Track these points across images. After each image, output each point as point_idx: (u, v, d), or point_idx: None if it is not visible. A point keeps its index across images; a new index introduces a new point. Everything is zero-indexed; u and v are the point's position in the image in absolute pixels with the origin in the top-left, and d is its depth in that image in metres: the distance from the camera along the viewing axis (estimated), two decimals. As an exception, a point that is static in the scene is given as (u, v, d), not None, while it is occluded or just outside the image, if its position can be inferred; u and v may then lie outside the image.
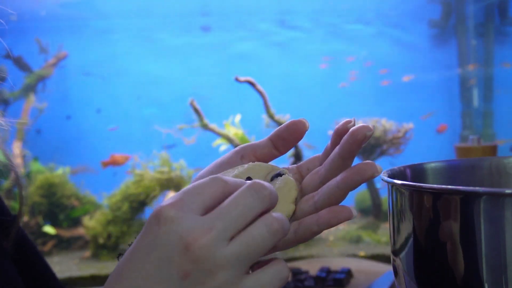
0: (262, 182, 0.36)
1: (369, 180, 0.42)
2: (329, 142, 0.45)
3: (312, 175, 0.45)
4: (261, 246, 0.35)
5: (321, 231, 0.41)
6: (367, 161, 0.40)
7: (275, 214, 0.36)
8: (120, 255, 0.47)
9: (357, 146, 0.40)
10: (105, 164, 2.44)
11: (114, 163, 2.49)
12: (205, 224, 0.34)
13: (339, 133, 0.42)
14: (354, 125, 0.42)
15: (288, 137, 0.46)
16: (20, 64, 3.21)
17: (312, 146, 2.58)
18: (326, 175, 0.43)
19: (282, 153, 0.47)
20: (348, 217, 0.40)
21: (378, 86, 4.18)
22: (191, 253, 0.33)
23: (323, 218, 0.40)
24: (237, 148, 0.48)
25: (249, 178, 0.43)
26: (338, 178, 0.41)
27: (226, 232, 0.34)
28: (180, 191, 0.37)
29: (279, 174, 0.44)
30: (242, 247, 0.34)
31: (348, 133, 0.40)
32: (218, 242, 0.34)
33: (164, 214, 0.34)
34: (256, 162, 0.46)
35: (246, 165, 0.45)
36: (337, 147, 0.42)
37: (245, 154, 0.47)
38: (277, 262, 0.37)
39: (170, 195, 2.68)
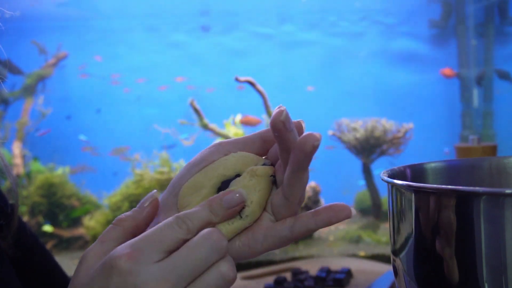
0: (218, 231, 0.36)
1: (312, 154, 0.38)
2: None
3: (278, 164, 0.42)
4: None
5: (317, 229, 0.40)
6: (304, 135, 0.36)
7: (228, 261, 0.36)
8: None
9: (308, 158, 0.37)
10: (241, 122, 2.45)
11: (247, 123, 2.51)
12: (160, 277, 0.34)
13: (276, 128, 0.38)
14: (285, 116, 0.37)
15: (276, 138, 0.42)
16: (10, 67, 3.20)
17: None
18: (285, 191, 0.40)
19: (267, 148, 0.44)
20: (347, 216, 0.39)
21: (378, 86, 4.18)
22: None
23: (322, 216, 0.39)
24: (217, 144, 0.44)
25: (238, 175, 0.42)
26: (289, 163, 0.38)
27: (180, 284, 0.34)
28: (141, 237, 0.36)
29: (274, 178, 0.42)
30: None
31: (296, 146, 0.37)
32: None
33: (120, 266, 0.34)
34: (239, 153, 0.43)
35: (230, 156, 0.43)
36: (289, 164, 0.38)
37: (228, 152, 0.44)
38: (220, 264, 0.36)
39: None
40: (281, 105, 0.38)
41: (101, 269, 0.35)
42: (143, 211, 0.40)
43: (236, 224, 0.40)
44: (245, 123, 2.49)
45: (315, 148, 0.36)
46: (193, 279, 0.35)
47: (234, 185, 0.41)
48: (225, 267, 0.36)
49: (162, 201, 0.43)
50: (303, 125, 0.41)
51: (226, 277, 0.36)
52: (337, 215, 0.39)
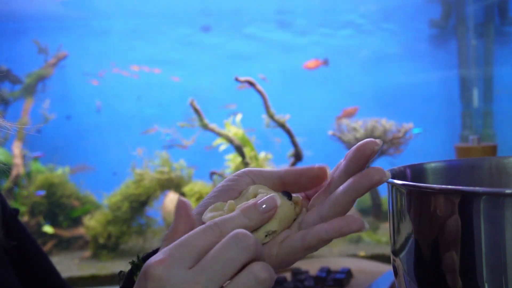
0: (245, 231, 0.36)
1: (376, 187, 0.39)
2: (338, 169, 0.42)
3: (319, 193, 0.43)
4: None
5: (330, 240, 0.39)
6: (375, 166, 0.38)
7: (261, 262, 0.36)
8: (121, 272, 0.47)
9: (365, 161, 0.38)
10: (339, 118, 2.48)
11: (347, 115, 2.54)
12: (190, 280, 0.34)
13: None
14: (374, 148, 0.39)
15: (303, 184, 0.44)
16: (10, 77, 3.19)
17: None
18: (332, 191, 0.41)
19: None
20: (360, 229, 0.38)
21: (378, 86, 4.18)
22: None
23: (334, 225, 0.38)
24: (244, 172, 0.45)
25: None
26: (345, 184, 0.39)
27: (210, 285, 0.34)
28: (173, 244, 0.36)
29: (289, 195, 0.43)
30: None
31: (354, 148, 0.39)
32: None
33: (152, 273, 0.35)
34: (258, 185, 0.44)
35: (250, 190, 0.44)
36: (343, 163, 0.40)
37: (255, 180, 0.45)
38: (252, 265, 0.36)
39: (170, 195, 2.68)
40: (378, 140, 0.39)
41: (139, 277, 0.36)
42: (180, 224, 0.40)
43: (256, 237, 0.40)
44: (346, 115, 2.50)
45: (374, 153, 0.38)
46: (224, 281, 0.35)
47: None
48: (258, 268, 0.35)
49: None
50: (328, 171, 0.43)
51: (259, 278, 0.35)
52: (349, 226, 0.38)
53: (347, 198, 0.39)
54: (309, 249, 0.39)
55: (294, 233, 0.41)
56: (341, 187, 0.39)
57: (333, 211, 0.39)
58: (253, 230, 0.40)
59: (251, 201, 0.40)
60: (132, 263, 0.45)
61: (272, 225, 0.40)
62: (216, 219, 0.38)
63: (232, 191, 0.45)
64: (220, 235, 0.36)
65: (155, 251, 0.46)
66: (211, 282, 0.35)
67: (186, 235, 0.37)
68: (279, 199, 0.41)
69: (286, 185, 0.44)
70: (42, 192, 2.73)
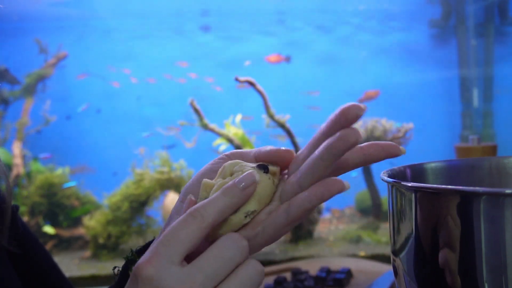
0: (238, 234, 0.37)
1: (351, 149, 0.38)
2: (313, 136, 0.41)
3: (295, 158, 0.42)
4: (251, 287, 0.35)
5: (313, 208, 0.38)
6: (349, 127, 0.36)
7: (252, 258, 0.36)
8: (115, 267, 0.47)
9: (347, 126, 0.37)
10: (361, 101, 2.48)
11: (368, 98, 2.54)
12: (186, 279, 0.34)
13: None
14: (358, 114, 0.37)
15: (273, 163, 0.43)
16: (7, 77, 3.19)
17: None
18: (300, 179, 0.39)
19: None
20: (341, 189, 0.37)
21: (378, 86, 4.17)
22: None
23: (315, 193, 0.37)
24: (225, 154, 0.47)
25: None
26: (320, 147, 0.37)
27: (209, 283, 0.34)
28: (158, 241, 0.35)
29: (266, 167, 0.42)
30: None
31: (337, 111, 0.37)
32: None
33: (143, 274, 0.34)
34: (234, 161, 0.44)
35: (226, 167, 0.44)
36: (323, 126, 0.39)
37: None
38: (249, 260, 0.36)
39: (170, 195, 2.68)
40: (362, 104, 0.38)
41: (131, 279, 0.35)
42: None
43: (235, 220, 0.39)
44: (367, 98, 2.50)
45: (357, 117, 0.36)
46: (220, 280, 0.35)
47: None
48: (253, 261, 0.36)
49: (175, 208, 0.44)
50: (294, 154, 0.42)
51: (258, 270, 0.36)
52: (329, 190, 0.37)
53: (324, 162, 0.37)
54: (294, 222, 0.39)
55: (276, 206, 0.40)
56: (316, 151, 0.38)
57: (310, 177, 0.38)
58: (232, 212, 0.39)
59: (230, 182, 0.39)
60: (126, 258, 0.45)
61: (251, 205, 0.39)
62: (196, 205, 0.37)
63: (214, 173, 0.45)
64: (202, 220, 0.36)
65: (148, 244, 0.46)
66: (209, 281, 0.34)
67: (167, 230, 0.36)
68: (257, 174, 0.40)
69: (258, 160, 0.44)
70: (71, 184, 2.72)
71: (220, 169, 0.44)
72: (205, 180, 0.42)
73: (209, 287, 0.34)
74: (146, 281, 0.34)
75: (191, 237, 0.35)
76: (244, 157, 0.45)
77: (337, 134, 0.36)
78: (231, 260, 0.35)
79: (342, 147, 0.36)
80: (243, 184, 0.38)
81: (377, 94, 2.64)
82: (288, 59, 3.63)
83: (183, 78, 4.10)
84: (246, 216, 0.39)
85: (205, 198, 0.41)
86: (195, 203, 0.41)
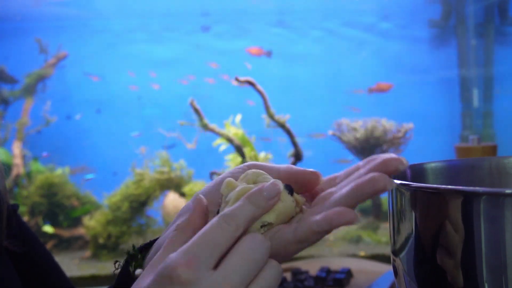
0: (261, 235, 0.37)
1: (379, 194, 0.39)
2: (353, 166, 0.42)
3: (324, 194, 0.42)
4: (274, 285, 0.36)
5: (321, 233, 0.38)
6: (382, 173, 0.36)
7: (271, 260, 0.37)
8: (116, 262, 0.47)
9: (386, 171, 0.38)
10: (371, 90, 2.48)
11: (379, 89, 2.54)
12: (223, 282, 0.34)
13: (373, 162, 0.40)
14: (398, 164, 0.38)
15: (297, 184, 0.43)
16: (3, 77, 3.18)
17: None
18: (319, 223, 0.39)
19: None
20: (351, 221, 0.37)
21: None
22: None
23: (325, 218, 0.37)
24: (245, 165, 0.46)
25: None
26: (347, 187, 0.38)
27: (242, 285, 0.35)
28: (194, 242, 0.36)
29: (291, 190, 0.42)
30: None
31: (380, 160, 0.38)
32: None
33: (182, 276, 0.34)
34: (258, 171, 0.44)
35: (249, 175, 0.43)
36: (363, 170, 0.39)
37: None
38: (270, 260, 0.37)
39: (170, 195, 2.68)
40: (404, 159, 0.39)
41: (159, 279, 0.35)
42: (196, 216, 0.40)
43: (251, 229, 0.39)
44: (378, 89, 2.49)
45: (396, 171, 0.37)
46: (250, 280, 0.35)
47: None
48: (274, 262, 0.37)
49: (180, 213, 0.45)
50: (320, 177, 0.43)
51: (279, 270, 0.37)
52: (339, 218, 0.37)
53: (348, 202, 0.38)
54: (301, 242, 0.39)
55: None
56: (343, 190, 0.38)
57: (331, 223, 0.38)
58: None
59: (255, 188, 0.39)
60: (128, 253, 0.45)
61: (270, 217, 0.40)
62: (225, 211, 0.38)
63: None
64: (236, 229, 0.37)
65: (152, 242, 0.46)
66: (242, 283, 0.35)
67: (204, 231, 0.36)
68: (281, 184, 0.40)
69: (282, 179, 0.43)
70: (90, 176, 2.73)
71: (242, 175, 0.43)
72: (230, 179, 0.42)
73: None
74: (183, 284, 0.34)
75: (227, 245, 0.36)
76: (265, 170, 0.44)
77: (367, 177, 0.37)
78: (260, 261, 0.36)
79: (370, 192, 0.36)
80: (266, 193, 0.38)
81: (389, 87, 2.62)
82: (269, 53, 3.65)
83: (181, 77, 4.10)
84: (262, 226, 0.40)
85: (227, 195, 0.42)
86: (205, 204, 0.41)
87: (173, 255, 0.35)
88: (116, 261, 0.46)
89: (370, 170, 0.38)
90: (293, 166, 0.44)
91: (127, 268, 0.45)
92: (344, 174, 0.42)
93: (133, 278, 0.43)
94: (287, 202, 0.41)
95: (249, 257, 0.35)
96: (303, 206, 0.43)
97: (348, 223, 0.37)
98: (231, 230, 0.36)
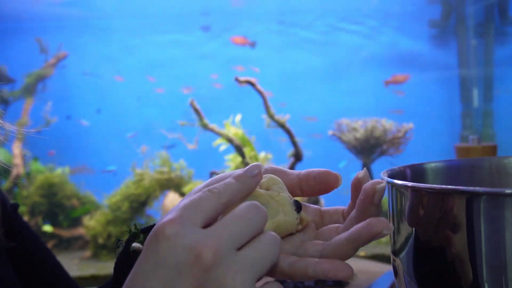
0: (257, 202, 0.37)
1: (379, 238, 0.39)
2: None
3: (330, 228, 0.43)
4: (271, 252, 0.35)
5: (314, 278, 0.38)
6: (379, 217, 0.37)
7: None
8: (119, 241, 0.47)
9: (370, 203, 0.39)
10: (388, 83, 2.49)
11: (395, 81, 2.54)
12: (212, 235, 0.34)
13: (354, 187, 0.42)
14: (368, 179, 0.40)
15: (315, 186, 0.44)
16: (1, 77, 3.17)
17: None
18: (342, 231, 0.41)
19: (303, 195, 0.45)
20: (347, 277, 0.37)
21: (378, 85, 4.18)
22: (203, 262, 0.33)
23: (322, 266, 0.37)
24: (266, 169, 0.45)
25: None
26: (348, 232, 0.38)
27: (234, 241, 0.34)
28: (177, 207, 0.36)
29: (299, 207, 0.42)
30: (254, 252, 0.34)
31: (361, 192, 0.40)
32: (228, 250, 0.33)
33: (166, 231, 0.34)
34: (274, 177, 0.43)
35: (264, 180, 0.43)
36: (354, 210, 0.41)
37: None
38: (266, 233, 0.36)
39: (170, 195, 2.68)
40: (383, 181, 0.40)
41: (150, 239, 0.35)
42: (248, 182, 0.40)
43: None
44: (394, 81, 2.49)
45: (377, 193, 0.39)
46: (243, 242, 0.35)
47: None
48: (272, 232, 0.36)
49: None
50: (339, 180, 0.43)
51: (277, 238, 0.36)
52: (335, 272, 0.37)
53: (349, 245, 0.38)
54: (290, 275, 0.39)
55: (287, 249, 0.41)
56: (345, 234, 0.39)
57: (331, 254, 0.39)
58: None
59: (240, 170, 0.41)
60: (129, 231, 0.45)
61: (268, 226, 0.39)
62: (215, 184, 0.39)
63: None
64: (219, 196, 0.37)
65: (152, 225, 0.46)
66: (234, 240, 0.34)
67: (187, 199, 0.37)
68: (263, 166, 0.41)
69: (302, 183, 0.44)
70: (112, 168, 2.72)
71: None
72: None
73: (233, 246, 0.34)
74: (170, 238, 0.33)
75: (211, 208, 0.36)
76: (285, 176, 0.44)
77: (366, 221, 0.37)
78: (254, 222, 0.35)
79: (367, 236, 0.37)
80: (251, 172, 0.40)
81: (405, 79, 2.61)
82: (253, 44, 3.68)
83: (181, 77, 4.10)
84: None
85: None
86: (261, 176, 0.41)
87: (162, 218, 0.36)
88: (119, 240, 0.47)
89: (358, 208, 0.40)
90: (313, 169, 0.44)
91: (129, 248, 0.45)
92: (348, 208, 0.44)
93: (130, 255, 0.44)
94: (290, 217, 0.41)
95: (243, 216, 0.35)
96: (309, 228, 0.43)
97: (345, 278, 0.37)
98: (214, 196, 0.37)
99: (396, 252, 0.42)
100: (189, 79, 4.08)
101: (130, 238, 0.45)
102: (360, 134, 2.42)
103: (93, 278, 2.29)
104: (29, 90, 3.22)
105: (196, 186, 0.48)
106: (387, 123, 2.44)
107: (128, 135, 3.59)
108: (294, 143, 2.24)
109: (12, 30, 3.82)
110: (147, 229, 0.46)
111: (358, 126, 2.44)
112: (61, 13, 3.99)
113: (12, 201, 0.64)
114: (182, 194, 2.56)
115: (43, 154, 3.16)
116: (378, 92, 4.12)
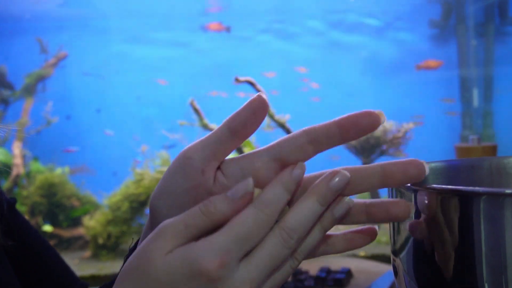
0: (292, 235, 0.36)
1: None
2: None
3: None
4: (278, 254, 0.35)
5: (329, 253, 0.40)
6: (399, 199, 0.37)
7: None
8: (131, 248, 0.46)
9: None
10: (419, 67, 2.48)
11: (427, 67, 2.54)
12: (246, 277, 0.34)
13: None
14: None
15: (250, 121, 0.40)
16: (3, 83, 3.17)
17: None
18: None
19: (241, 142, 0.41)
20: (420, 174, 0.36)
21: (379, 85, 4.18)
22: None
23: (338, 241, 0.41)
24: (185, 155, 0.39)
25: None
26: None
27: (262, 280, 0.34)
28: (226, 235, 0.33)
29: None
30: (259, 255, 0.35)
31: (351, 118, 0.37)
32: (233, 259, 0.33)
33: (211, 275, 0.32)
34: None
35: None
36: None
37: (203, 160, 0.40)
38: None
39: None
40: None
41: (188, 273, 0.33)
42: (235, 205, 0.34)
43: None
44: (426, 66, 2.47)
45: (371, 128, 0.37)
46: (272, 274, 0.36)
47: None
48: (292, 260, 0.37)
49: None
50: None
51: (294, 267, 0.37)
52: (354, 243, 0.43)
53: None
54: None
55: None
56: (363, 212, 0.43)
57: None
58: None
59: (288, 169, 0.36)
60: (130, 248, 0.45)
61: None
62: (260, 198, 0.35)
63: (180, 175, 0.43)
64: (272, 218, 0.34)
65: None
66: (263, 276, 0.34)
67: (235, 222, 0.34)
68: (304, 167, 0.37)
69: (234, 133, 0.40)
70: (140, 159, 2.71)
71: None
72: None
73: (263, 281, 0.34)
74: (213, 281, 0.32)
75: (261, 236, 0.34)
76: (216, 150, 0.41)
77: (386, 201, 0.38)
78: (282, 258, 0.35)
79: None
80: (298, 177, 0.36)
81: (438, 65, 2.58)
82: (228, 29, 3.68)
83: (181, 77, 4.10)
84: None
85: None
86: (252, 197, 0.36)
87: (206, 251, 0.33)
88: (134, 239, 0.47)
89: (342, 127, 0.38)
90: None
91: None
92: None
93: None
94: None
95: (276, 255, 0.34)
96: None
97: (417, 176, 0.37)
98: (267, 220, 0.34)
99: (396, 252, 0.42)
100: (188, 78, 4.08)
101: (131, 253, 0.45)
102: (360, 134, 2.41)
103: (93, 278, 2.29)
104: (29, 90, 3.22)
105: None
106: (387, 123, 2.44)
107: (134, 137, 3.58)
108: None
109: (12, 30, 3.82)
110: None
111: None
112: (61, 13, 3.99)
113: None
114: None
115: (43, 154, 3.16)
116: (378, 92, 4.12)
